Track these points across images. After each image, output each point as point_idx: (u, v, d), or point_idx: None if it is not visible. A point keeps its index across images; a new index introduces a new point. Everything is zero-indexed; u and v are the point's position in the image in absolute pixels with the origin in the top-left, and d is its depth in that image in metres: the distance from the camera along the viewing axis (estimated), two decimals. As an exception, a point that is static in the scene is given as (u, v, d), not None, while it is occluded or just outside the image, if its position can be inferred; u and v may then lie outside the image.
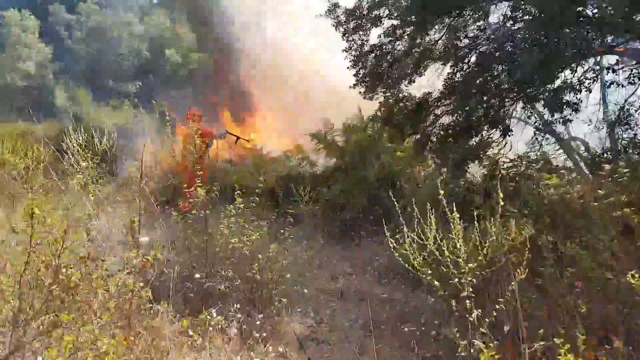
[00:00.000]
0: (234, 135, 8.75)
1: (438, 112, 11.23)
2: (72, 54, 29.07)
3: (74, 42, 29.31)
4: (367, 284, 4.50)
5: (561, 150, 8.68)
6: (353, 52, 10.22)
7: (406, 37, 10.35)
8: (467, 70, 8.01)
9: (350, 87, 10.58)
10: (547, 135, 9.28)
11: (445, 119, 11.02)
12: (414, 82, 11.46)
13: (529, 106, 8.15)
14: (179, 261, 4.06)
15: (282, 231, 5.50)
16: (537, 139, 8.66)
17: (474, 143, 7.73)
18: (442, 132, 8.24)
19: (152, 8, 31.37)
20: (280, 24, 17.25)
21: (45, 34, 29.56)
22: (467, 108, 7.61)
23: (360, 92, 10.71)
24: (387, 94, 11.37)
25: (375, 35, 10.61)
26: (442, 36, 10.49)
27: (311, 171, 7.68)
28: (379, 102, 11.71)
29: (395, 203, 6.26)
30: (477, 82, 7.54)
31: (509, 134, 7.47)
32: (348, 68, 10.30)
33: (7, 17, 28.64)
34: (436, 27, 9.66)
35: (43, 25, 30.29)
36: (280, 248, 4.18)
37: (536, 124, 9.55)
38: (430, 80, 11.99)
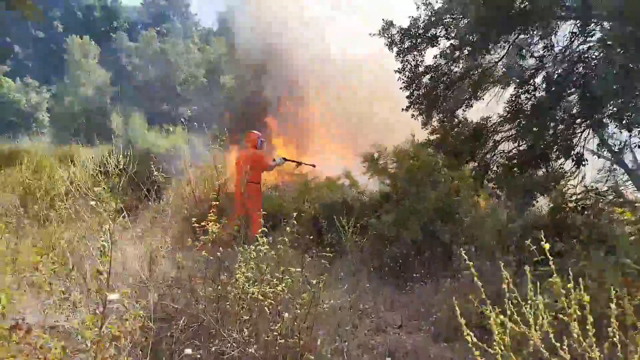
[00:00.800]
0: (295, 162, 8.18)
1: (497, 137, 10.35)
2: (130, 80, 30.29)
3: (133, 67, 30.58)
4: (422, 341, 3.71)
5: (630, 182, 7.56)
6: (407, 73, 9.61)
7: (464, 58, 9.64)
8: (533, 93, 7.14)
9: (402, 109, 9.93)
10: (615, 166, 8.12)
11: (506, 146, 10.11)
12: (471, 106, 10.68)
13: (600, 130, 7.15)
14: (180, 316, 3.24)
15: (324, 266, 4.86)
16: (609, 169, 7.62)
17: (543, 173, 6.81)
18: (505, 161, 7.35)
19: (210, 35, 32.18)
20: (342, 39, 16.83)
21: (104, 61, 30.98)
22: (534, 134, 6.75)
23: (413, 115, 10.03)
24: (442, 118, 10.61)
25: (430, 56, 9.96)
26: (502, 56, 9.70)
27: (359, 199, 6.99)
28: (431, 127, 10.91)
29: (453, 239, 5.58)
30: (546, 105, 6.68)
31: (583, 163, 6.54)
32: (401, 89, 9.67)
33: (69, 43, 30.19)
34: (498, 45, 8.89)
35: (104, 51, 31.84)
36: (315, 292, 3.41)
37: (605, 152, 8.42)
38: (490, 105, 11.16)
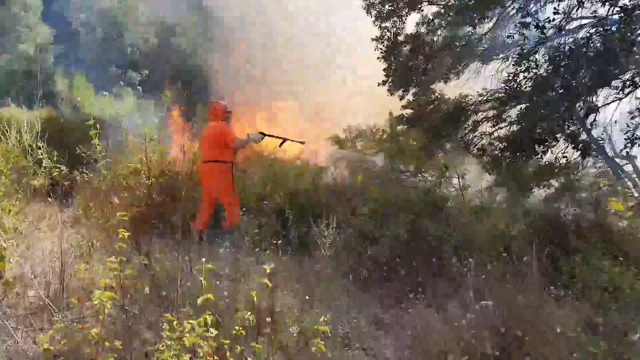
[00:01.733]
0: (278, 138, 6.69)
1: (478, 118, 9.64)
2: (75, 39, 27.72)
3: (78, 25, 27.90)
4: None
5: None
6: (385, 42, 8.61)
7: (449, 26, 8.74)
8: (535, 71, 6.29)
9: (378, 84, 8.97)
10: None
11: (485, 127, 9.47)
12: (450, 80, 9.90)
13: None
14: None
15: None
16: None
17: (545, 162, 6.05)
18: (496, 144, 6.56)
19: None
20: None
21: (49, 17, 28.18)
22: (533, 116, 5.95)
23: (388, 90, 9.09)
24: (419, 92, 9.78)
25: (412, 24, 8.99)
26: (492, 27, 8.88)
27: (332, 187, 6.02)
28: (407, 101, 10.09)
29: (443, 239, 4.76)
30: (550, 84, 5.86)
31: (590, 152, 5.82)
32: (378, 59, 8.68)
33: (8, -5, 27.19)
34: (488, 13, 8.02)
35: (49, 5, 28.81)
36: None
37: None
38: (470, 80, 10.41)
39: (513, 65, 6.39)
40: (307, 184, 5.72)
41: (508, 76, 6.44)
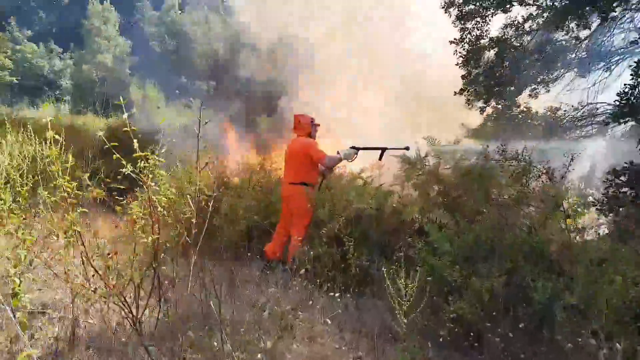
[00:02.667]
0: (376, 149, 5.56)
1: (573, 135, 8.46)
2: (150, 50, 28.70)
3: (152, 38, 28.91)
4: None
5: None
6: (465, 46, 7.61)
7: (542, 28, 7.62)
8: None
9: (455, 93, 7.98)
10: None
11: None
12: (537, 92, 8.77)
13: None
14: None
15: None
16: None
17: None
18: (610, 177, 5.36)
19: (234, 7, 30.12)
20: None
21: (126, 29, 29.49)
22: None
23: (467, 101, 8.06)
24: (501, 104, 8.70)
25: (496, 26, 7.96)
26: (594, 32, 7.69)
27: (400, 211, 5.13)
28: (486, 116, 9.00)
29: (553, 298, 3.68)
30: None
31: None
32: (457, 65, 7.70)
33: (90, 8, 28.71)
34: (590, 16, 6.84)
35: (127, 19, 30.24)
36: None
37: None
38: (562, 93, 9.28)
39: (632, 75, 5.19)
40: (370, 206, 4.85)
41: (624, 88, 5.24)
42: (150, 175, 3.33)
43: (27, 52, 33.26)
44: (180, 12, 27.70)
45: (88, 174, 7.30)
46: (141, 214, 3.01)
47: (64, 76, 33.89)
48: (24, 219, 3.20)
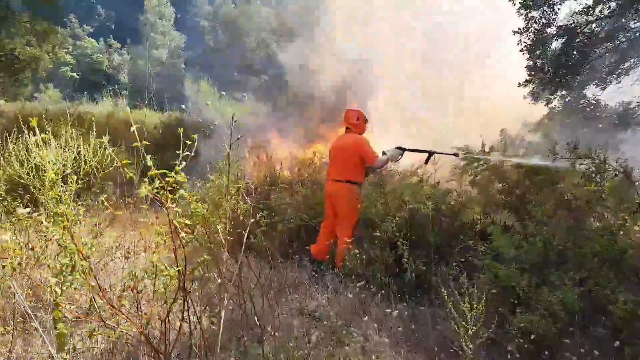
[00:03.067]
0: (422, 152, 5.35)
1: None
2: (204, 45, 29.19)
3: (207, 32, 29.35)
4: None
5: None
6: (531, 35, 7.12)
7: (613, 14, 7.02)
8: None
9: (519, 84, 7.50)
10: None
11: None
12: (609, 83, 8.19)
13: None
14: None
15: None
16: None
17: None
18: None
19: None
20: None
21: (181, 24, 30.18)
22: None
23: (532, 92, 7.57)
24: (568, 97, 8.16)
25: (566, 13, 7.42)
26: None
27: (458, 211, 4.83)
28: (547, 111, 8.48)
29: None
30: None
31: None
32: (521, 51, 7.24)
33: (146, 3, 29.49)
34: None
35: (183, 13, 30.89)
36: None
37: None
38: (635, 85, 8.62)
39: None
40: (426, 206, 4.55)
41: None
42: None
43: (87, 48, 34.64)
44: (234, 6, 27.92)
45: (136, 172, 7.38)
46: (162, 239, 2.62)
47: (122, 71, 35.13)
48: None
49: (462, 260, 4.51)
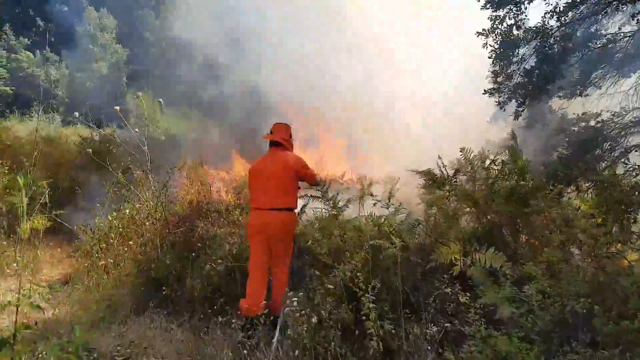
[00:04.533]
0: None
1: (627, 143, 7.10)
2: (149, 59, 27.54)
3: (150, 46, 27.74)
4: None
5: None
6: (498, 37, 6.30)
7: (590, 17, 6.38)
8: None
9: (484, 92, 6.68)
10: None
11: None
12: (581, 93, 7.52)
13: None
14: None
15: None
16: None
17: None
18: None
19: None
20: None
21: (124, 37, 28.35)
22: None
23: (499, 104, 6.75)
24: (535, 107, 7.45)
25: (534, 15, 6.69)
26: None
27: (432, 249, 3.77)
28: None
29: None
30: None
31: None
32: (490, 57, 6.42)
33: (85, 14, 27.64)
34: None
35: (128, 27, 29.06)
36: None
37: None
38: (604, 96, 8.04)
39: None
40: (393, 243, 3.46)
41: None
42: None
43: (23, 61, 32.30)
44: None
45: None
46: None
47: (59, 85, 32.86)
48: None
49: (439, 313, 3.48)
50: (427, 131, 11.35)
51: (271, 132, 4.42)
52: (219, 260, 4.38)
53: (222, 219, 5.40)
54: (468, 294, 3.40)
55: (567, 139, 7.22)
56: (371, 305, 3.08)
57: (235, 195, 6.34)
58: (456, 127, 8.98)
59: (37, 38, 37.10)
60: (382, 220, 3.88)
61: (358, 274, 3.43)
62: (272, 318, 3.72)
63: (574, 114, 7.68)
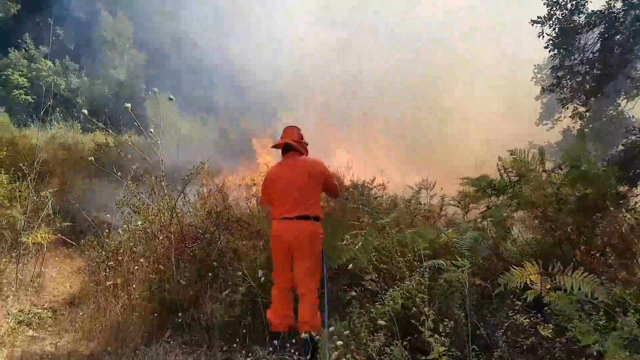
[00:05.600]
0: None
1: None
2: (166, 63, 27.29)
3: (168, 50, 27.46)
4: None
5: None
6: (556, 23, 5.56)
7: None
8: None
9: (543, 89, 5.97)
10: None
11: None
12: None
13: None
14: None
15: None
16: None
17: None
18: None
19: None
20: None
21: (138, 40, 28.19)
22: None
23: (560, 99, 6.00)
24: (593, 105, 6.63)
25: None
26: None
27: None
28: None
29: None
30: None
31: None
32: (547, 47, 5.70)
33: (101, 21, 27.54)
34: None
35: (144, 31, 28.76)
36: None
37: None
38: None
39: None
40: (462, 264, 2.78)
41: None
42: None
43: (43, 70, 32.46)
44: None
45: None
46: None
47: (79, 93, 32.96)
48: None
49: (511, 348, 2.81)
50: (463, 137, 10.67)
51: (283, 136, 3.99)
52: (240, 278, 3.78)
53: (244, 230, 4.80)
54: (550, 325, 2.73)
55: (630, 139, 6.43)
56: (440, 347, 2.40)
57: (258, 204, 5.73)
58: (500, 129, 8.26)
59: (56, 47, 37.34)
60: (440, 235, 3.20)
61: (412, 299, 2.78)
62: (302, 339, 3.22)
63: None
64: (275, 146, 4.00)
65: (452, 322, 2.71)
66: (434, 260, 2.90)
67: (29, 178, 4.81)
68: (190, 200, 5.75)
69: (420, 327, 2.66)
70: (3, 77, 30.22)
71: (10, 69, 30.95)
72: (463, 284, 2.81)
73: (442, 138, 10.57)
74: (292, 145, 3.83)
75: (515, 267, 3.04)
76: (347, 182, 6.85)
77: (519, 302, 3.00)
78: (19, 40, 35.62)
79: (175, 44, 27.03)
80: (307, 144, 4.07)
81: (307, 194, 3.61)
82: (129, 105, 4.99)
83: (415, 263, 3.02)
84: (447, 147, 9.85)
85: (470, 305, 2.86)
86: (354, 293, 3.24)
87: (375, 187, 6.49)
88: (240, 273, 3.76)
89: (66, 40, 36.60)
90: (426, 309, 2.66)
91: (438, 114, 11.35)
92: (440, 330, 2.68)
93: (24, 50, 35.93)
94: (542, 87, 5.91)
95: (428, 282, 2.87)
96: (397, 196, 5.65)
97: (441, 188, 5.26)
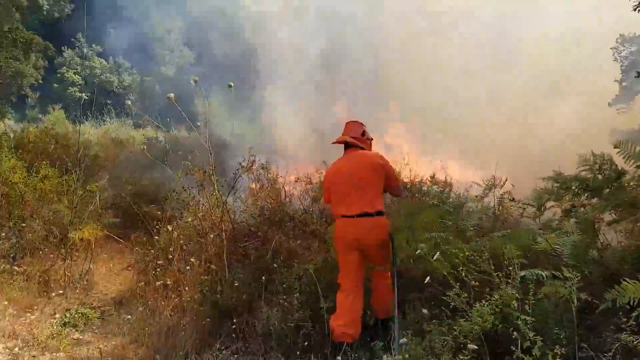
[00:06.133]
0: None
1: None
2: (215, 59, 27.47)
3: (215, 46, 27.65)
4: None
5: None
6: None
7: None
8: None
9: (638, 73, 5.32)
10: None
11: None
12: None
13: None
14: None
15: None
16: None
17: None
18: None
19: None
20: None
21: (190, 39, 28.53)
22: None
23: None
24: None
25: None
26: None
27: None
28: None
29: None
30: None
31: None
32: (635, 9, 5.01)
33: (152, 20, 28.03)
34: None
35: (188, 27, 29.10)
36: None
37: None
38: None
39: None
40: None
41: None
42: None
43: (96, 68, 33.55)
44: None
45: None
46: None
47: (131, 91, 33.88)
48: None
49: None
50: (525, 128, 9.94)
51: (345, 131, 3.79)
52: (297, 280, 3.48)
53: (299, 230, 4.47)
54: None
55: None
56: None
57: (313, 201, 5.40)
58: (571, 115, 7.55)
59: (108, 45, 38.48)
60: (537, 241, 2.73)
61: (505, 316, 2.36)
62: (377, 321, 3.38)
63: None
64: (335, 142, 3.77)
65: (557, 346, 2.25)
66: (532, 270, 2.45)
67: (76, 172, 4.71)
68: (241, 196, 5.51)
69: (513, 349, 2.26)
70: (59, 75, 31.35)
71: (65, 67, 32.05)
72: (568, 300, 2.36)
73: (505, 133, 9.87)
74: (350, 142, 3.63)
75: (627, 280, 2.55)
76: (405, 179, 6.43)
77: (626, 320, 2.51)
78: (73, 39, 36.82)
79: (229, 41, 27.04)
80: (371, 140, 3.84)
81: (368, 188, 3.42)
82: (171, 95, 4.77)
83: (508, 274, 2.58)
84: (512, 141, 9.16)
85: (575, 325, 2.40)
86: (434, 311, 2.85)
87: (436, 184, 6.03)
88: (299, 275, 3.46)
89: (118, 38, 37.60)
90: (526, 328, 2.23)
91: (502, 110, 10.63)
92: (540, 354, 2.24)
93: (77, 48, 37.17)
94: (637, 73, 5.20)
95: (523, 297, 2.43)
96: (460, 194, 5.22)
97: (513, 185, 4.78)
